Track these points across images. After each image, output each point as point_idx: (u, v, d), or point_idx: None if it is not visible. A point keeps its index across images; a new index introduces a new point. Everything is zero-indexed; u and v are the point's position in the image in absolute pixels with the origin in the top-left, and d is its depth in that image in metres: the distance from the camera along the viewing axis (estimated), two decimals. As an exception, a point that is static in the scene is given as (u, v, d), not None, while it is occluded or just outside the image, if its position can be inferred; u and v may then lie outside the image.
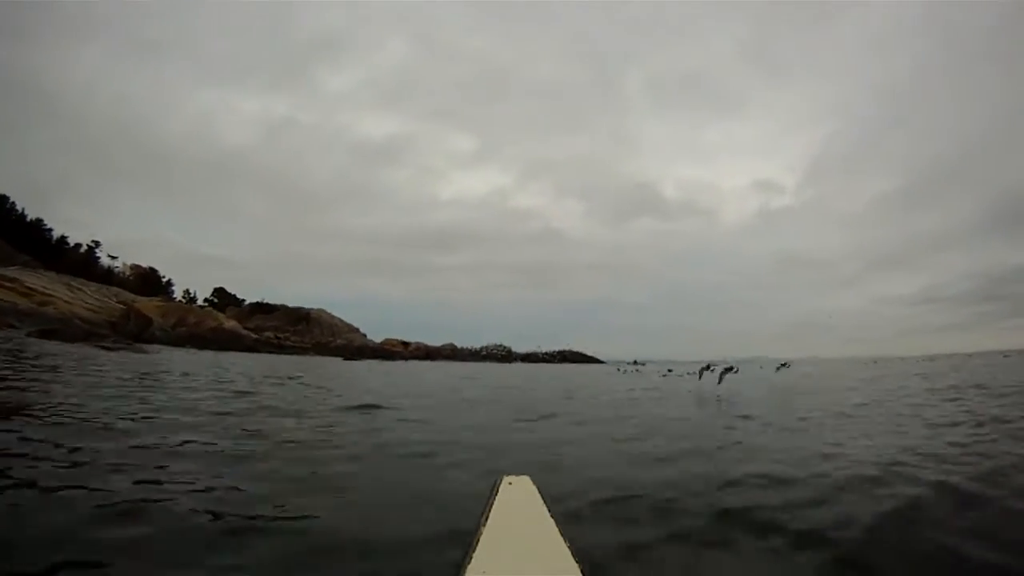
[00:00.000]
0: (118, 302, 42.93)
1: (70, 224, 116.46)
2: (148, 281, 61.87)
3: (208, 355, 28.18)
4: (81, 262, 55.23)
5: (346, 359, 42.64)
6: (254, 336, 44.96)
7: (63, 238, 56.57)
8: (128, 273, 62.13)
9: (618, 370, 35.38)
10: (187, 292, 65.24)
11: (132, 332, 38.30)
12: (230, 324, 43.24)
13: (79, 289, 42.56)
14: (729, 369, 12.69)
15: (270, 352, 41.86)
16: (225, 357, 26.27)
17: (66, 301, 38.48)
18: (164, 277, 65.67)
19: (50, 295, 37.59)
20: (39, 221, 54.59)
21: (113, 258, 63.18)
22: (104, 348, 17.79)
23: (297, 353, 44.86)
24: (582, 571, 0.97)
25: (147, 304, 42.38)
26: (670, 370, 27.93)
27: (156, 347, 30.32)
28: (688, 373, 24.61)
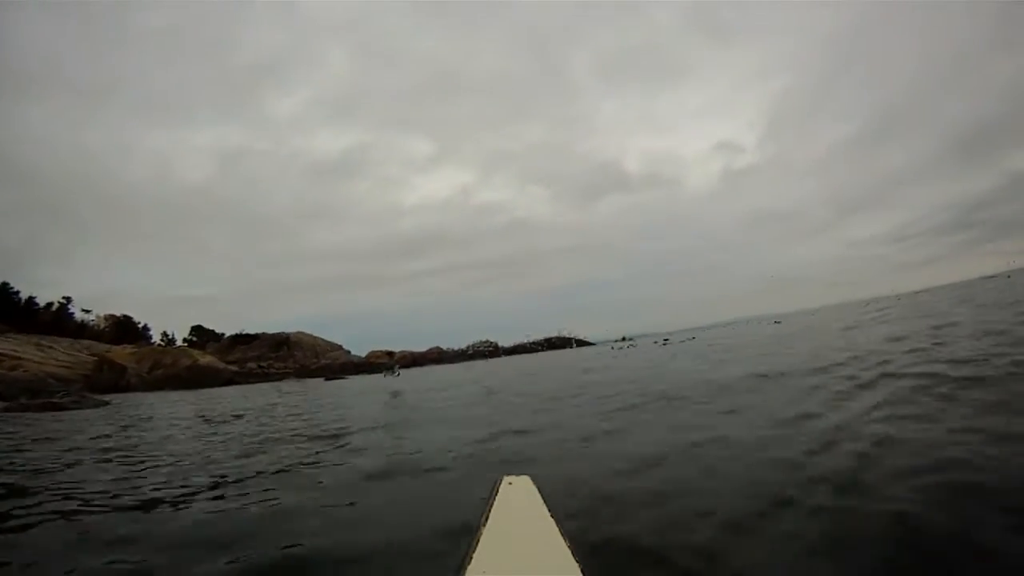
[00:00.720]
0: (90, 354, 42.95)
1: (43, 285, 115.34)
2: (124, 329, 61.72)
3: (175, 396, 28.46)
4: (52, 321, 55.02)
5: (328, 379, 43.00)
6: (233, 369, 45.16)
7: (31, 299, 56.26)
8: (102, 325, 61.89)
9: (611, 348, 35.55)
10: (165, 335, 65.17)
11: (108, 382, 38.46)
12: (206, 360, 43.40)
13: (49, 347, 42.54)
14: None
15: (251, 382, 42.14)
16: (198, 395, 26.58)
17: (36, 362, 38.48)
18: (140, 323, 65.52)
19: (19, 357, 37.56)
20: (5, 285, 54.23)
21: (87, 312, 62.98)
22: (44, 408, 17.98)
23: (277, 379, 45.15)
24: (582, 571, 0.98)
25: (120, 352, 42.45)
26: (666, 340, 28.51)
27: (122, 396, 30.54)
28: (689, 339, 25.14)
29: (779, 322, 33.48)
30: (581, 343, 72.26)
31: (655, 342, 26.97)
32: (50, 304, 59.77)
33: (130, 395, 31.40)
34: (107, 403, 20.26)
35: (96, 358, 40.90)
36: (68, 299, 61.40)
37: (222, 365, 44.82)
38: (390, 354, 68.71)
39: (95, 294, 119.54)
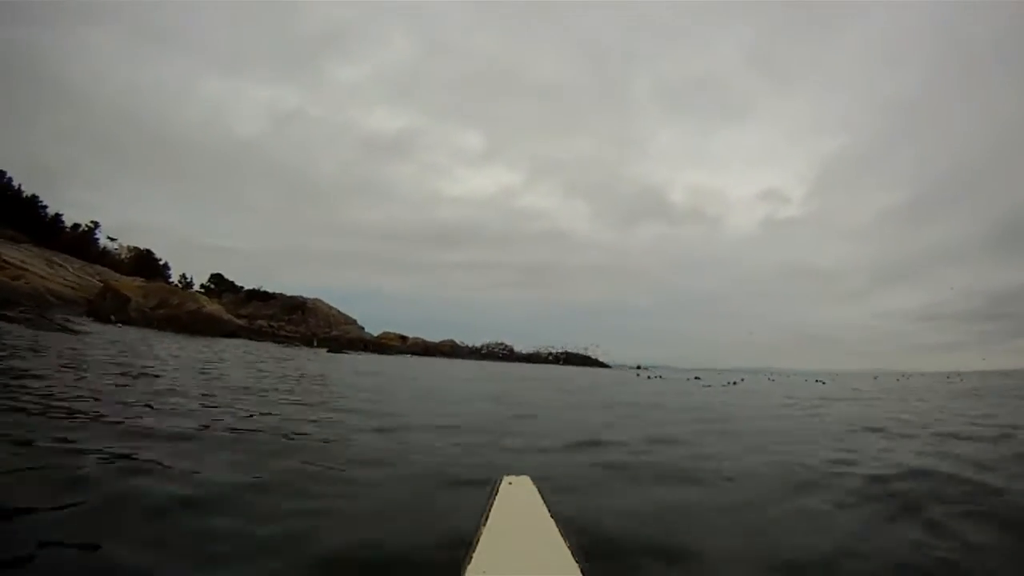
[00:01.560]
0: (100, 280, 41.21)
1: (78, 207, 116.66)
2: (144, 263, 60.44)
3: (169, 339, 25.94)
4: (75, 241, 53.96)
5: (330, 351, 40.21)
6: (237, 322, 42.81)
7: (57, 216, 55.32)
8: (124, 254, 60.84)
9: (636, 375, 32.17)
10: (183, 276, 63.71)
11: (109, 310, 36.45)
12: (212, 308, 41.12)
13: (60, 265, 40.94)
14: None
15: (254, 339, 39.65)
16: (194, 343, 23.91)
17: (41, 276, 36.77)
18: (160, 260, 64.29)
19: (24, 269, 35.86)
20: (34, 198, 53.36)
21: (112, 239, 62.07)
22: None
23: (283, 343, 42.59)
24: (582, 571, 0.96)
25: (127, 284, 40.52)
26: (697, 378, 24.90)
27: (111, 329, 28.19)
28: (730, 382, 22.00)
29: (823, 382, 29.42)
30: (594, 363, 67.97)
31: (695, 378, 23.21)
32: (77, 225, 59.01)
33: (121, 328, 28.97)
34: (73, 331, 17.48)
35: (102, 284, 39.03)
36: (96, 223, 60.50)
37: (227, 316, 42.51)
38: (403, 338, 66.16)
39: (126, 224, 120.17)
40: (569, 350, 69.39)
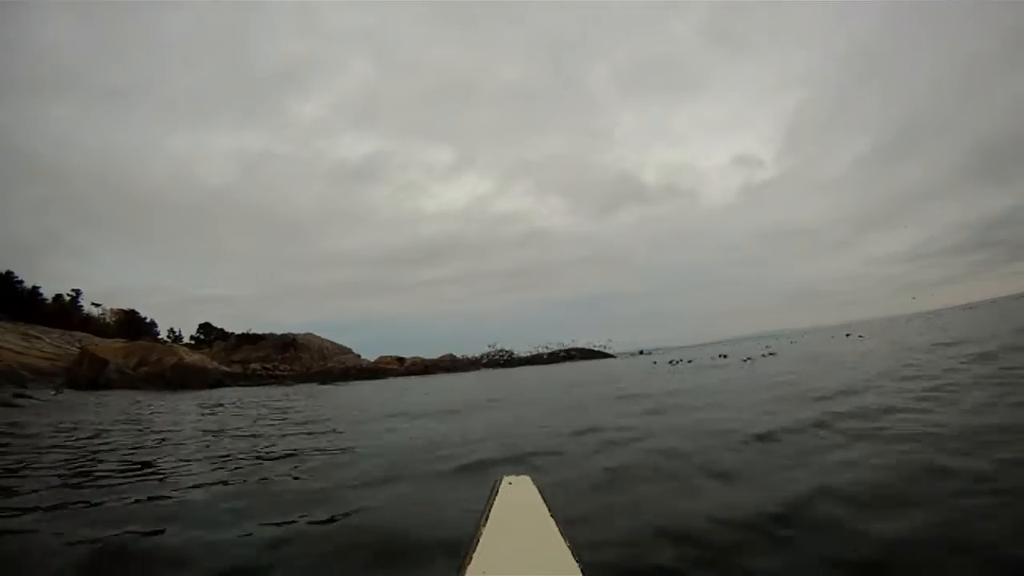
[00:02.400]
0: (80, 347, 40.34)
1: (62, 278, 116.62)
2: (129, 324, 59.73)
3: (141, 397, 25.01)
4: (56, 312, 53.27)
5: (322, 383, 39.24)
6: (224, 369, 41.79)
7: (35, 289, 54.70)
8: (109, 318, 60.12)
9: (654, 364, 26.87)
10: (171, 331, 63.03)
11: (88, 376, 35.55)
12: (193, 358, 40.16)
13: (36, 338, 40.08)
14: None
15: (244, 385, 38.68)
16: (154, 400, 22.99)
17: (16, 352, 35.92)
18: (147, 318, 63.55)
19: (-2, 347, 35.05)
20: (9, 274, 52.80)
21: (97, 305, 61.38)
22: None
23: (277, 383, 41.63)
24: (582, 571, 0.95)
25: (106, 346, 39.63)
26: (724, 355, 22.85)
27: (73, 396, 27.29)
28: (748, 358, 17.98)
29: (861, 336, 27.57)
30: (599, 355, 66.38)
31: (721, 356, 21.84)
32: (59, 296, 58.37)
33: (99, 394, 28.05)
34: (15, 405, 16.54)
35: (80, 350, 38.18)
36: (77, 291, 59.92)
37: (212, 364, 41.52)
38: (400, 360, 65.10)
39: (113, 289, 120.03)
40: (568, 347, 68.11)
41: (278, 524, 2.96)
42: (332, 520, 3.04)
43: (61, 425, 9.83)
